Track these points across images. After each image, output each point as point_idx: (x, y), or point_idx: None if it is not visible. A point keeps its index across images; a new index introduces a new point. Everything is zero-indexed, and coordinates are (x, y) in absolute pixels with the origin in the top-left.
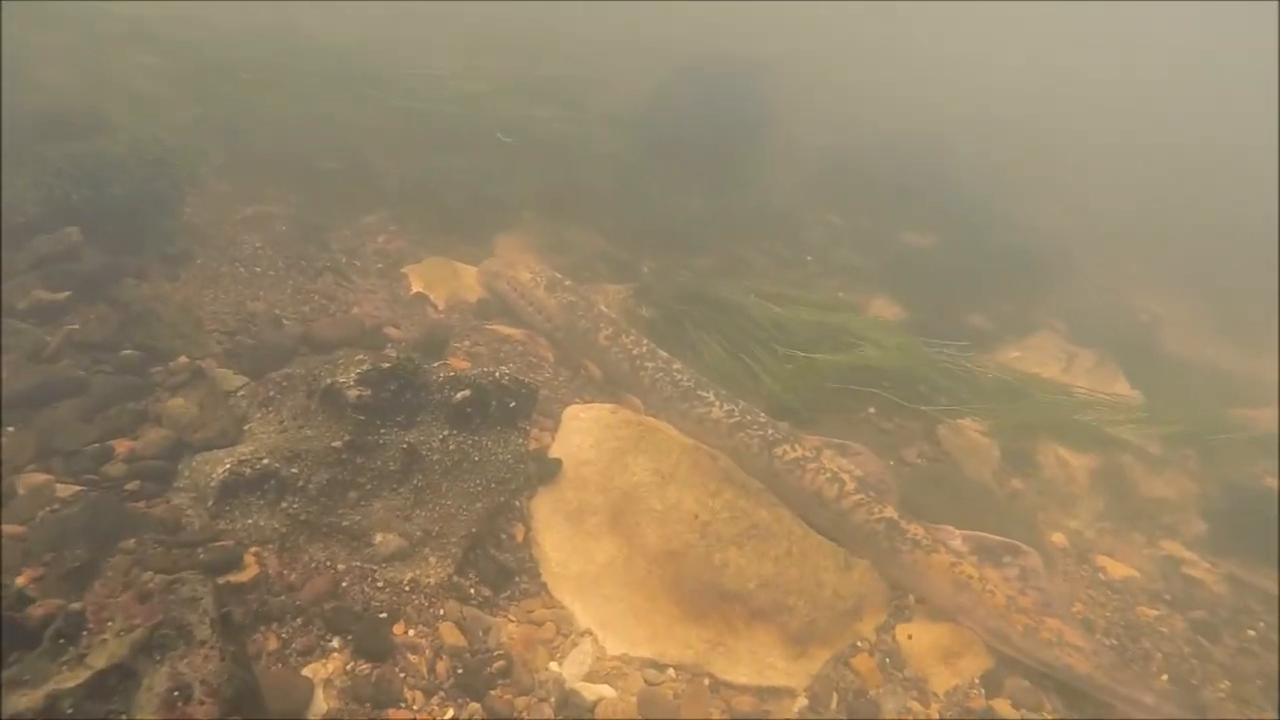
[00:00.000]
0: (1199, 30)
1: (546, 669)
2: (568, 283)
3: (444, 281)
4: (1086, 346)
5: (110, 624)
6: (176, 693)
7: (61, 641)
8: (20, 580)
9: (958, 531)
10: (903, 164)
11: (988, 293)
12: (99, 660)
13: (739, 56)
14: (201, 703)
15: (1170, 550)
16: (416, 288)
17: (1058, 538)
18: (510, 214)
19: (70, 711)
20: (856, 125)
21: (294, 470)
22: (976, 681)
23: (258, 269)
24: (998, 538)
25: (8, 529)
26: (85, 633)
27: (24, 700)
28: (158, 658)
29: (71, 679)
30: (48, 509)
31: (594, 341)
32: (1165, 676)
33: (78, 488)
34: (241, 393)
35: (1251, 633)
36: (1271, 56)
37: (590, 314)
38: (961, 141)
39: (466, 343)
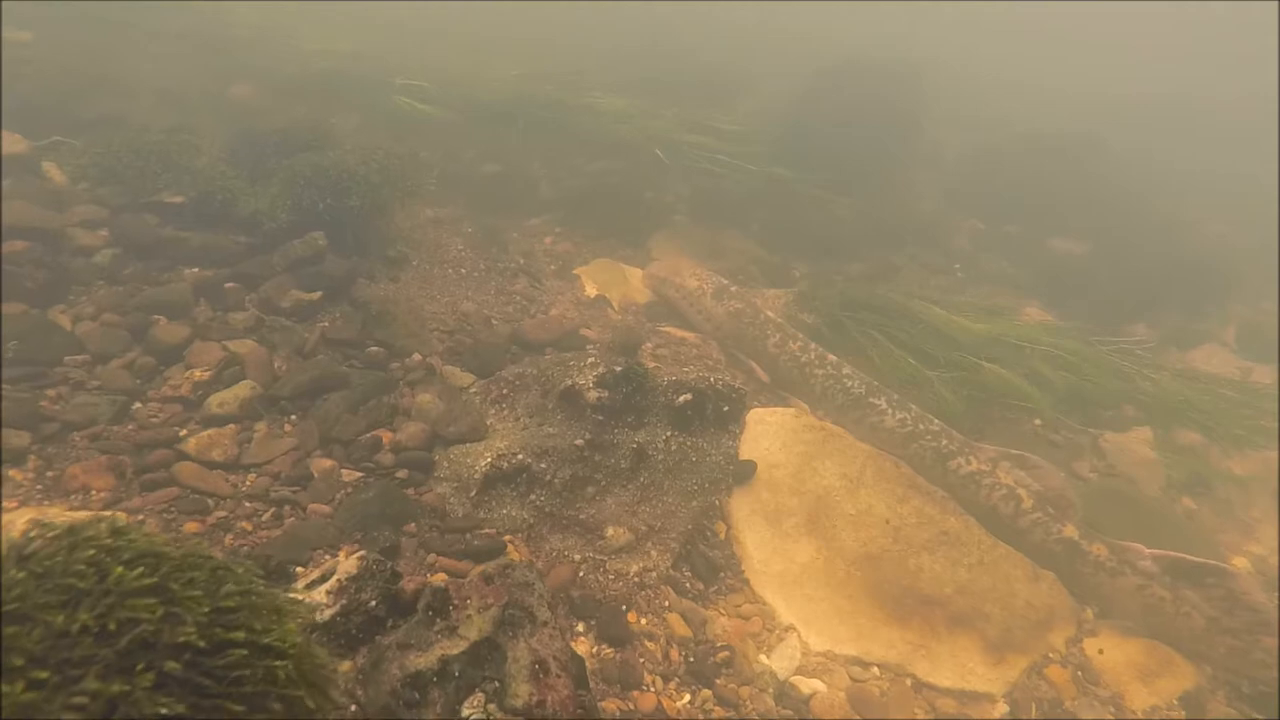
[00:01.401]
0: None
1: (758, 661)
2: (733, 289)
3: (614, 284)
4: (1260, 362)
5: (469, 601)
6: (537, 666)
7: (431, 614)
8: (342, 555)
9: (1147, 551)
10: (1048, 166)
11: (1146, 302)
12: (470, 632)
13: (876, 60)
14: (558, 676)
15: None
16: (591, 290)
17: (1240, 561)
18: (663, 217)
19: (457, 674)
20: (1000, 126)
21: (543, 465)
22: (1176, 702)
23: (463, 270)
24: (1196, 558)
25: (317, 508)
26: (451, 608)
27: (421, 660)
28: (511, 634)
29: (454, 646)
30: (342, 492)
31: (763, 349)
32: None
33: (359, 474)
34: (473, 390)
35: None
36: None
37: (757, 321)
38: (1112, 138)
39: (649, 345)
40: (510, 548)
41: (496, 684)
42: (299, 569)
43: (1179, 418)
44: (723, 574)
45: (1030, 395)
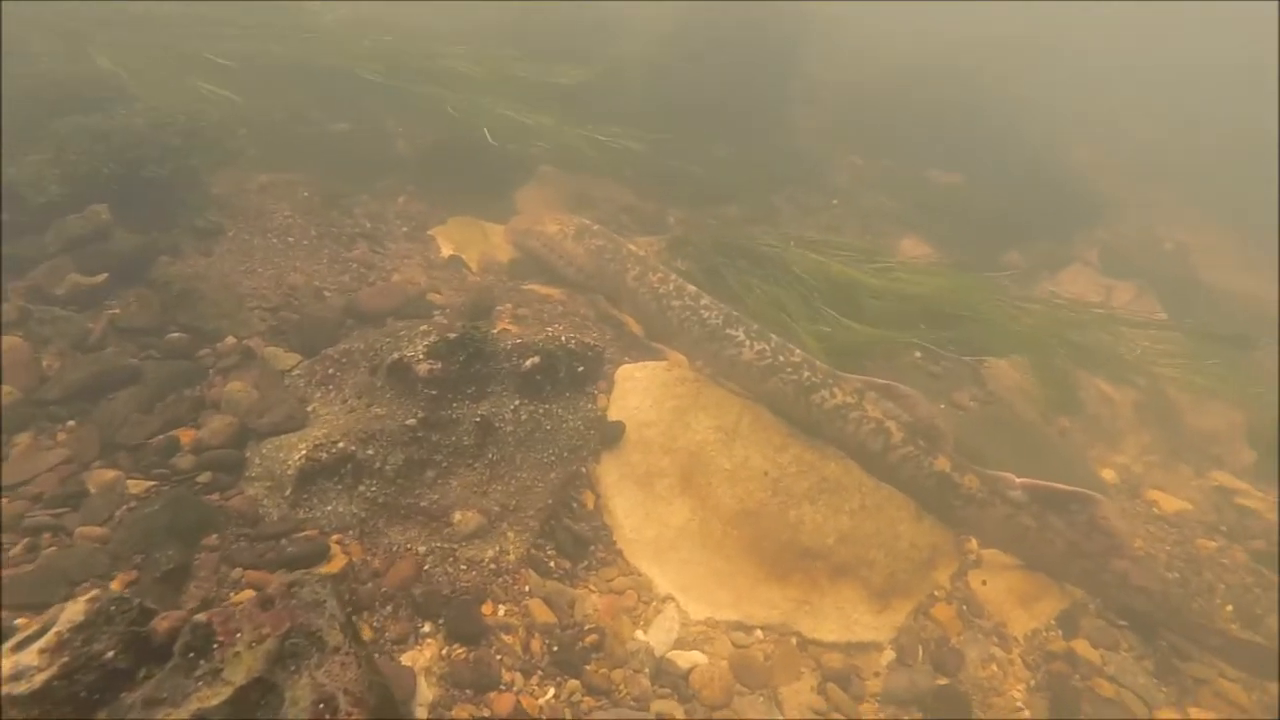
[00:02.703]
0: None
1: (634, 638)
2: (596, 228)
3: (473, 242)
4: (1122, 279)
5: (239, 635)
6: (322, 705)
7: (192, 655)
8: (115, 585)
9: (1017, 479)
10: (921, 99)
11: (1018, 228)
12: (236, 675)
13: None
14: (349, 713)
15: (1221, 481)
16: (447, 250)
17: (1108, 474)
18: (528, 170)
19: None
20: (873, 62)
21: (370, 452)
22: (1053, 623)
23: (290, 239)
24: (1064, 487)
25: (87, 531)
26: (216, 645)
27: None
28: (293, 668)
29: (214, 696)
30: (124, 507)
31: (623, 284)
32: (1230, 608)
33: (150, 483)
34: (296, 371)
35: None
36: None
37: (619, 256)
38: (978, 73)
39: (509, 306)
40: (337, 549)
41: None
42: (20, 620)
43: (1052, 352)
44: (592, 547)
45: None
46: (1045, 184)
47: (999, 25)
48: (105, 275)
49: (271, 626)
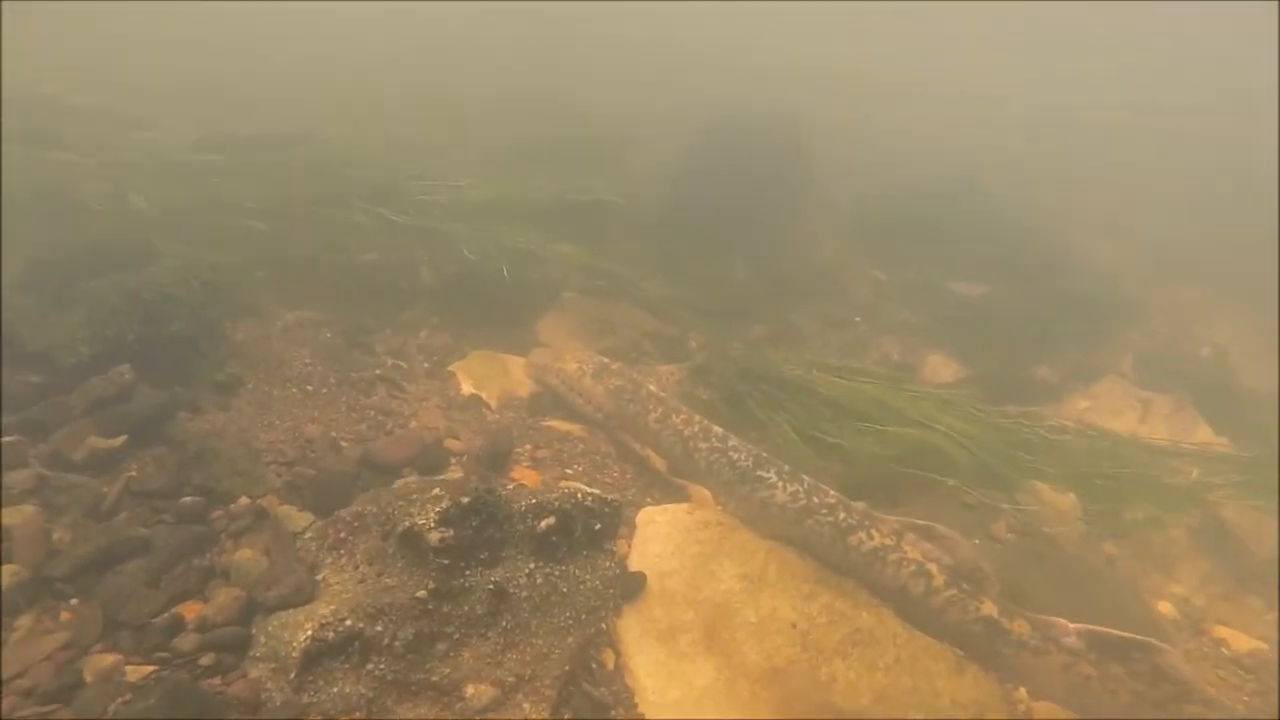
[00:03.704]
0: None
1: None
2: (614, 367)
3: (493, 378)
4: (1159, 390)
5: None
6: None
7: None
8: None
9: (1072, 626)
10: (938, 209)
11: (1046, 339)
12: None
13: (757, 113)
14: None
15: None
16: (467, 387)
17: (1164, 607)
18: (550, 295)
19: None
20: (887, 170)
21: (379, 628)
22: None
23: (309, 388)
24: (1123, 634)
25: None
26: None
27: None
28: None
29: None
30: (120, 700)
31: (645, 426)
32: None
33: (150, 668)
34: (309, 534)
35: None
36: None
37: (638, 396)
38: (991, 179)
39: (529, 446)
40: None
41: None
42: None
43: (1087, 487)
44: (614, 712)
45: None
46: (1069, 289)
47: (1001, 129)
48: (124, 438)
49: None
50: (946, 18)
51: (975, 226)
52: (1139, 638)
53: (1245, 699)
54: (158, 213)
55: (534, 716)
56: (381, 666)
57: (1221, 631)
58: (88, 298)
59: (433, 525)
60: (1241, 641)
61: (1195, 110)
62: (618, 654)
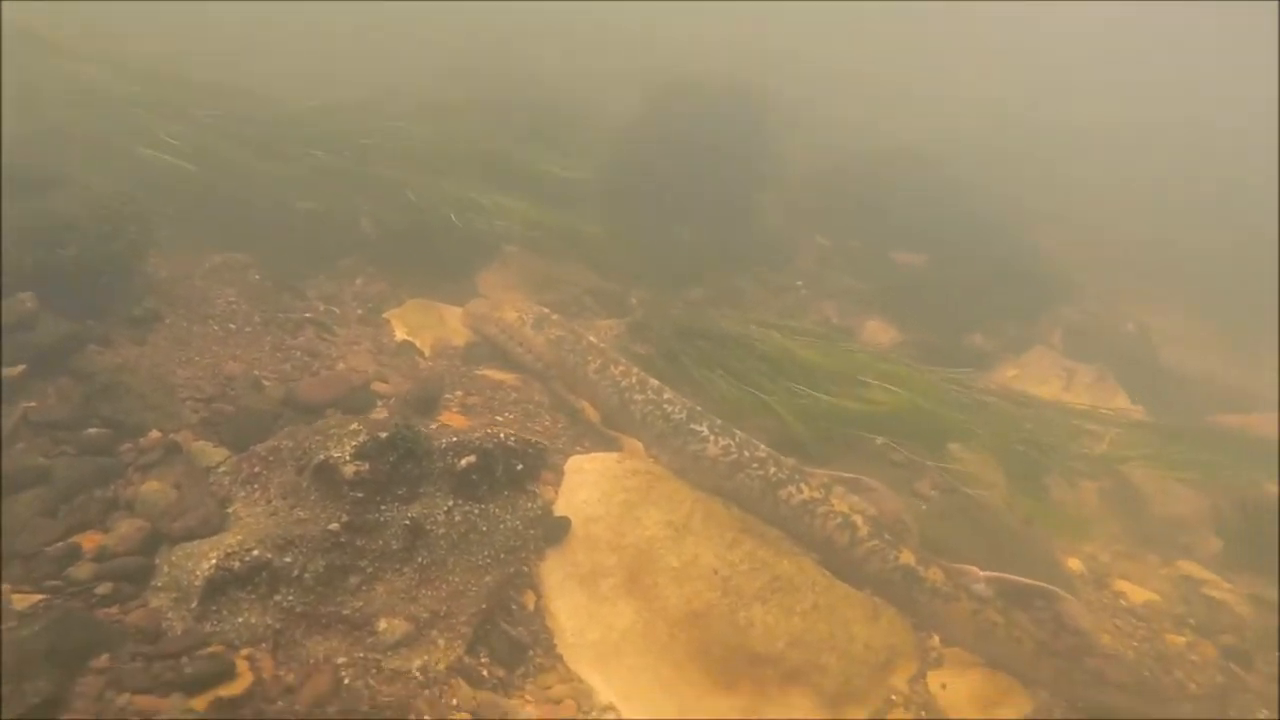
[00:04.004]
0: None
1: None
2: (555, 318)
3: (429, 326)
4: (1085, 361)
5: None
6: None
7: None
8: None
9: (981, 574)
10: (888, 183)
11: (981, 310)
12: None
13: (717, 84)
14: None
15: (1188, 570)
16: (401, 334)
17: (1074, 563)
18: (492, 251)
19: None
20: (840, 148)
21: (288, 559)
22: None
23: (232, 326)
24: (1028, 581)
25: None
26: None
27: None
28: None
29: None
30: (7, 627)
31: (584, 376)
32: None
33: (40, 596)
34: (223, 469)
35: None
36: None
37: (578, 348)
38: (945, 156)
39: (460, 393)
40: (245, 665)
41: None
42: None
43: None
44: (531, 652)
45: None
46: (1009, 265)
47: (958, 112)
48: (23, 367)
49: None
50: (939, 17)
51: (925, 204)
52: (1042, 585)
53: (1135, 644)
54: (78, 146)
55: (449, 653)
56: (290, 598)
57: (1122, 585)
58: None
59: (348, 459)
60: (1138, 594)
61: (1179, 116)
62: (539, 596)
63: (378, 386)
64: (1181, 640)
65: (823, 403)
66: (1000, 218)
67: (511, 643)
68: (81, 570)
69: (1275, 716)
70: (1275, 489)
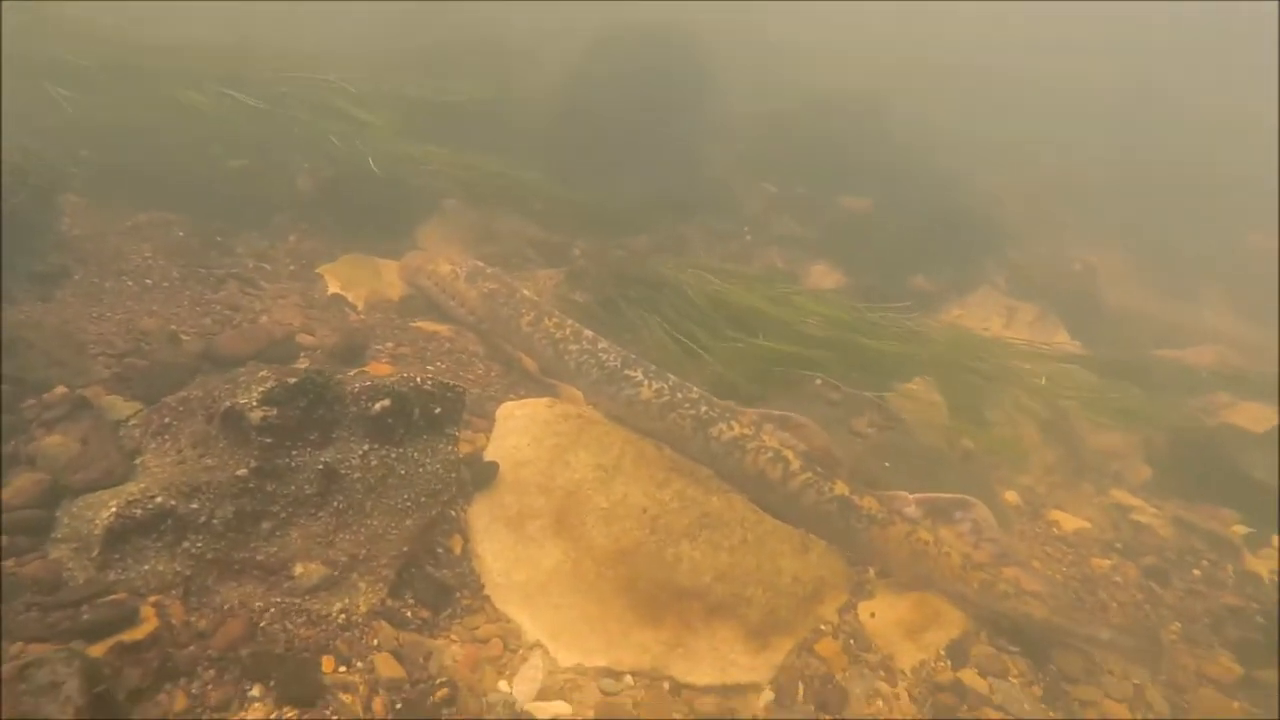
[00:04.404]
0: None
1: (496, 690)
2: (489, 270)
3: (363, 281)
4: (1026, 300)
5: None
6: None
7: None
8: None
9: (910, 496)
10: (836, 130)
11: (927, 253)
12: None
13: (658, 24)
14: None
15: (1119, 498)
16: (334, 288)
17: (1010, 495)
18: (431, 204)
19: None
20: (788, 89)
21: (194, 506)
22: (942, 653)
23: (148, 282)
24: (946, 495)
25: None
26: None
27: None
28: None
29: None
30: None
31: (517, 329)
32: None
33: None
34: (133, 422)
35: (1196, 572)
36: None
37: (512, 301)
38: (890, 101)
39: (390, 344)
40: (150, 611)
41: None
42: None
43: (953, 379)
44: (458, 594)
45: (806, 364)
46: (957, 211)
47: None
48: None
49: None
50: None
51: (874, 150)
52: (958, 496)
53: (1064, 569)
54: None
55: (370, 596)
56: (199, 545)
57: (1055, 515)
58: None
59: (255, 404)
60: (1070, 523)
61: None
62: (466, 540)
63: (303, 339)
64: (1107, 563)
65: (759, 347)
66: (949, 165)
67: (437, 585)
68: None
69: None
70: (1210, 422)
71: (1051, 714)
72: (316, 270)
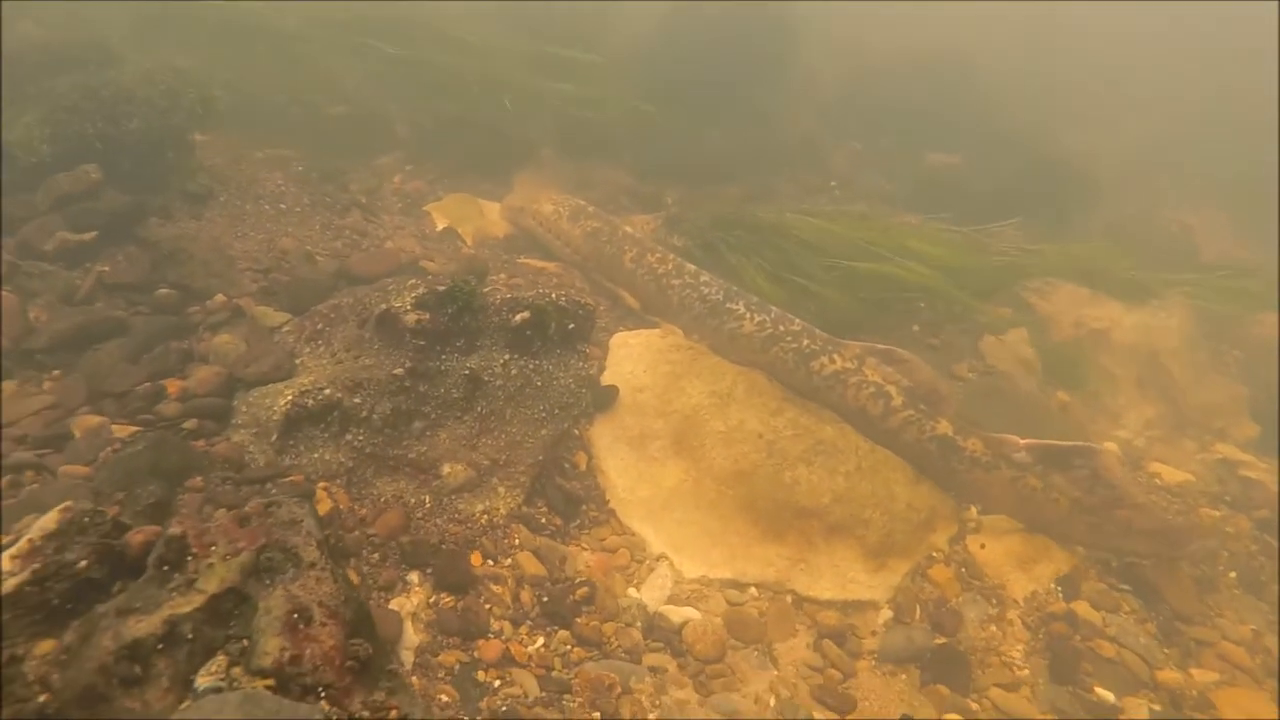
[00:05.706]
0: None
1: (627, 595)
2: (591, 209)
3: (469, 219)
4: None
5: (214, 548)
6: (296, 615)
7: (166, 569)
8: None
9: (1021, 441)
10: (924, 88)
11: (1018, 210)
12: (210, 584)
13: None
14: (324, 624)
15: (1224, 454)
16: (442, 224)
17: (1110, 447)
18: (528, 152)
19: (190, 636)
20: (872, 51)
21: (357, 400)
22: (1054, 586)
23: (283, 206)
24: (1065, 443)
25: (71, 470)
26: (190, 558)
27: (142, 626)
28: (268, 581)
29: (186, 604)
30: (109, 449)
31: (621, 265)
32: (1234, 574)
33: (135, 428)
34: (286, 328)
35: None
36: None
37: (615, 238)
38: (981, 58)
39: (503, 276)
40: (324, 494)
41: (245, 642)
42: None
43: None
44: (585, 506)
45: (910, 285)
46: (1047, 164)
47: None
48: (94, 233)
49: (247, 541)
50: None
51: (960, 106)
52: (1080, 444)
53: (1172, 515)
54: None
55: (509, 500)
56: (360, 438)
57: (1156, 467)
58: (45, 96)
59: (409, 308)
60: (1173, 475)
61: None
62: (590, 457)
63: (425, 264)
64: (1216, 514)
65: (861, 270)
66: (1037, 122)
67: (567, 496)
68: (169, 408)
69: None
70: None
71: (1166, 650)
72: (424, 208)
